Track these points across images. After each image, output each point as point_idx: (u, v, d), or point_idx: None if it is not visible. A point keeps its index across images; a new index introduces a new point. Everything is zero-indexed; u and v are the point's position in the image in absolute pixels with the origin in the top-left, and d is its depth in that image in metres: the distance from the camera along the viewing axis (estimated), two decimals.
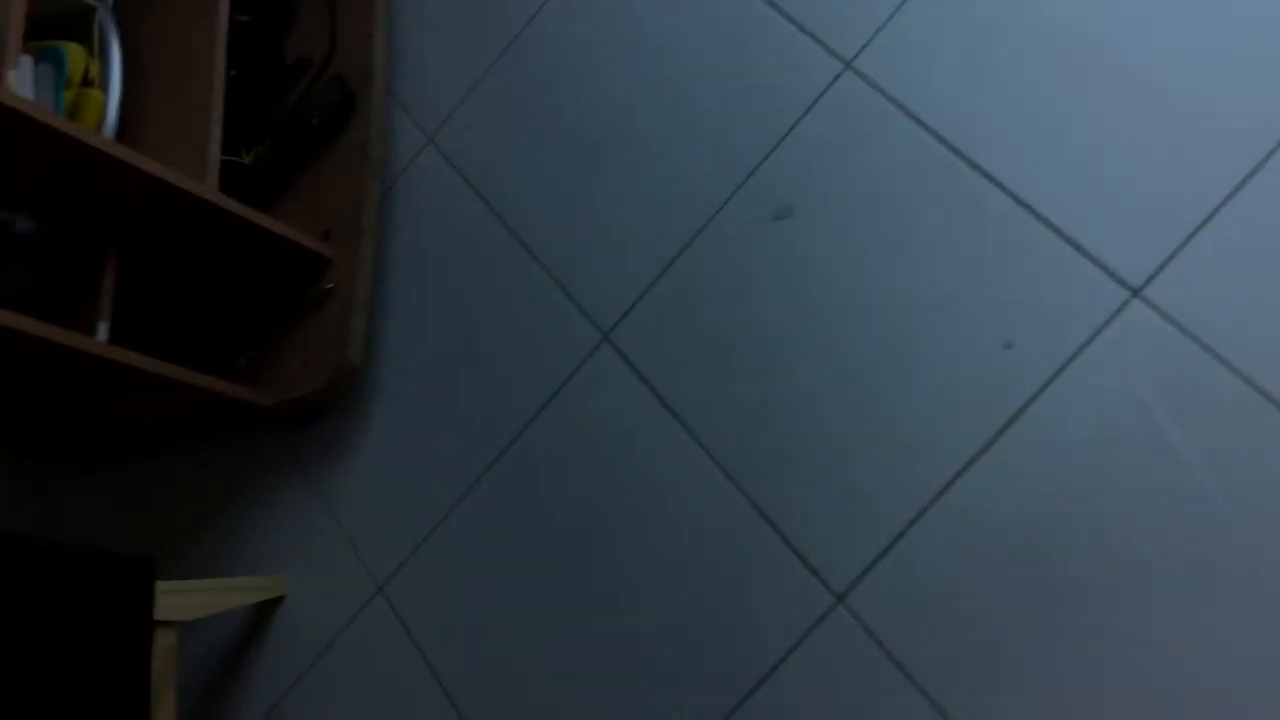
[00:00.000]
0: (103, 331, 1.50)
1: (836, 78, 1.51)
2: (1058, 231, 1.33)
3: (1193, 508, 1.20)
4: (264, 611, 1.73)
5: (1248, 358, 1.21)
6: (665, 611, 1.44)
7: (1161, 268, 1.27)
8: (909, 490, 1.33)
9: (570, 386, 1.59)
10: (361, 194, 1.74)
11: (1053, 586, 1.24)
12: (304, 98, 1.86)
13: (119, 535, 1.92)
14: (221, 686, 1.72)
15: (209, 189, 1.57)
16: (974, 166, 1.39)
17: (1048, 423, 1.29)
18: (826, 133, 1.51)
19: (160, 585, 1.53)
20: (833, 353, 1.43)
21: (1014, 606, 1.25)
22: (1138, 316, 1.28)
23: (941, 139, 1.42)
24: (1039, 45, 1.40)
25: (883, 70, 1.49)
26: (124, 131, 1.70)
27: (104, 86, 1.71)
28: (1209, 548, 1.19)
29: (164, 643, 1.54)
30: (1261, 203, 1.25)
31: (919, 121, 1.44)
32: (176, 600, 1.56)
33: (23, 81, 1.60)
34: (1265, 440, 1.19)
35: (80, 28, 1.79)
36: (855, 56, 1.51)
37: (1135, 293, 1.28)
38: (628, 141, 1.66)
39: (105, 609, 1.47)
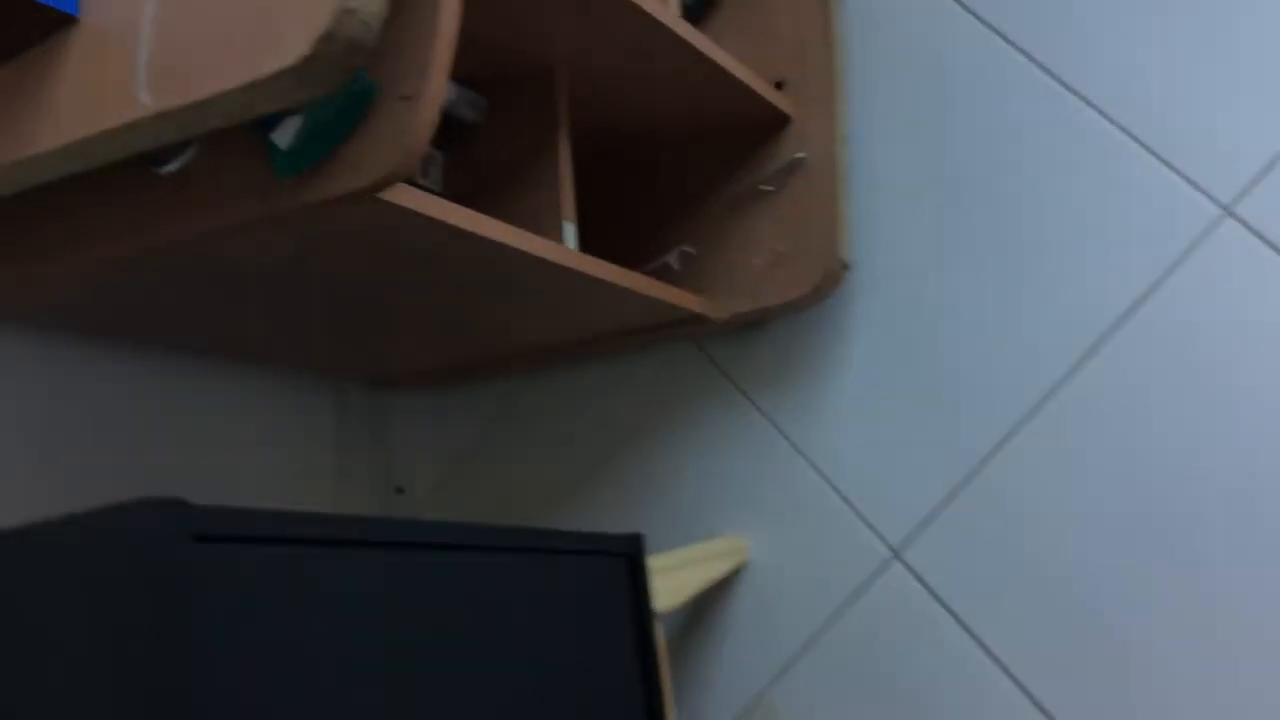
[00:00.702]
0: (570, 236, 1.10)
1: None
2: None
3: None
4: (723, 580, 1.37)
5: None
6: None
7: None
8: None
9: (1178, 276, 1.18)
10: (825, 26, 1.30)
11: None
12: None
13: (496, 480, 1.55)
14: (685, 670, 1.37)
15: (669, 12, 1.13)
16: None
17: None
18: None
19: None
20: None
21: None
22: None
23: None
24: None
25: None
26: None
27: None
28: None
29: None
30: None
31: None
32: (662, 583, 1.20)
33: None
34: None
35: None
36: None
37: None
38: None
39: (602, 602, 1.11)
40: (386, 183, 0.82)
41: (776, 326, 1.38)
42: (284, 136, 0.84)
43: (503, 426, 1.55)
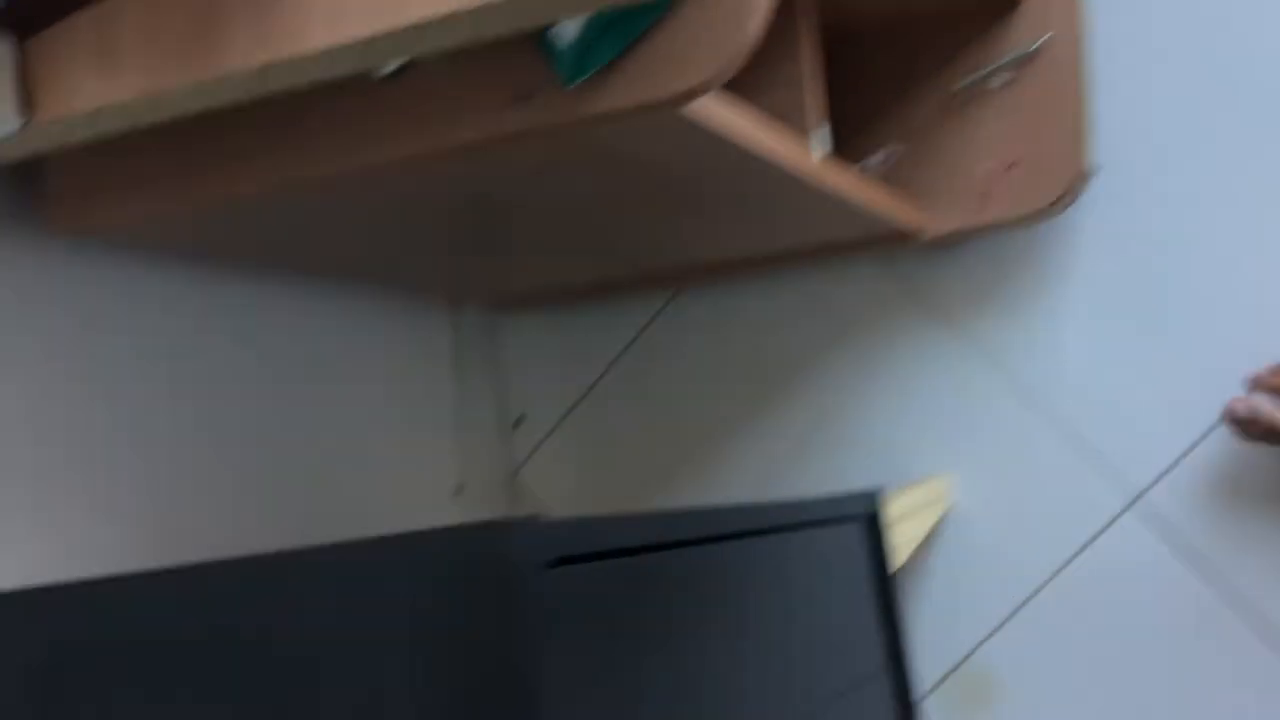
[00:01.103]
0: (819, 144, 0.92)
1: None
2: None
3: None
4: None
5: None
6: None
7: None
8: None
9: None
10: None
11: None
12: None
13: (632, 412, 1.38)
14: None
15: None
16: None
17: None
18: None
19: None
20: None
21: None
22: None
23: None
24: None
25: None
26: None
27: None
28: None
29: None
30: None
31: None
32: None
33: None
34: None
35: None
36: None
37: None
38: None
39: (843, 567, 0.97)
40: (705, 88, 0.64)
41: (978, 244, 1.21)
42: (566, 30, 0.65)
43: (641, 352, 1.38)
